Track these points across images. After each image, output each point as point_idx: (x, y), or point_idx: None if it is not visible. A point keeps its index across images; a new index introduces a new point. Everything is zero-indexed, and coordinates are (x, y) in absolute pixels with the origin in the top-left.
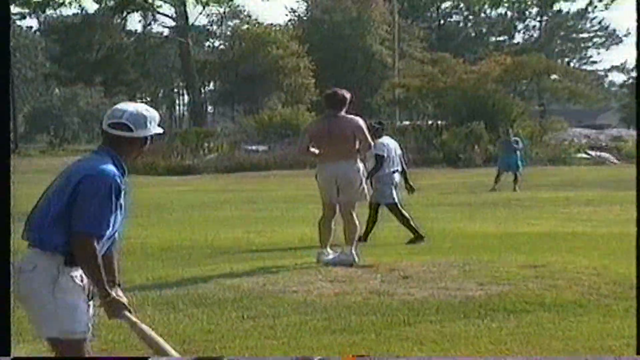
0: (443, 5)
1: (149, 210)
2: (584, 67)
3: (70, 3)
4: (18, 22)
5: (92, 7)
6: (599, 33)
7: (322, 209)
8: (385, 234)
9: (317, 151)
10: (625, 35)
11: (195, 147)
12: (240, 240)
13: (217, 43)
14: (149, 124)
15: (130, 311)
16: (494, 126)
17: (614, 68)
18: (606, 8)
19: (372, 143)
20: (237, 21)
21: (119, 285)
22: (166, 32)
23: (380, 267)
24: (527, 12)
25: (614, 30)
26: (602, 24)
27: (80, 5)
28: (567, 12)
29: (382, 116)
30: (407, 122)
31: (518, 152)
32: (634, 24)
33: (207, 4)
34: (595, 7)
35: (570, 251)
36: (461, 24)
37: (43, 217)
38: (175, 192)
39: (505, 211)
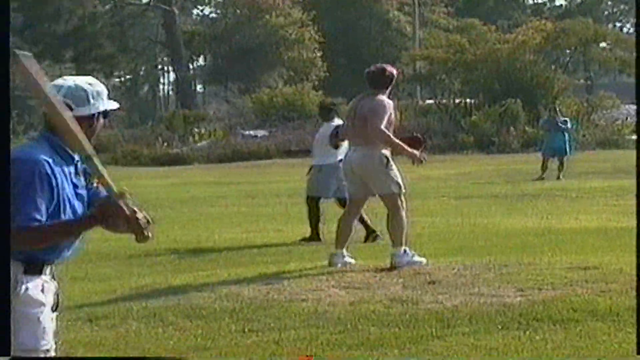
0: None
1: None
2: None
3: None
4: None
5: None
6: None
7: (347, 204)
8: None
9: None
10: None
11: (183, 134)
12: (239, 241)
13: (207, 11)
14: (92, 99)
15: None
16: (532, 104)
17: None
18: None
19: (379, 127)
20: None
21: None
22: None
23: (403, 270)
24: None
25: None
26: None
27: None
28: None
29: (401, 94)
30: (430, 101)
31: (566, 134)
32: None
33: None
34: None
35: (625, 250)
36: None
37: None
38: (161, 186)
39: (548, 204)
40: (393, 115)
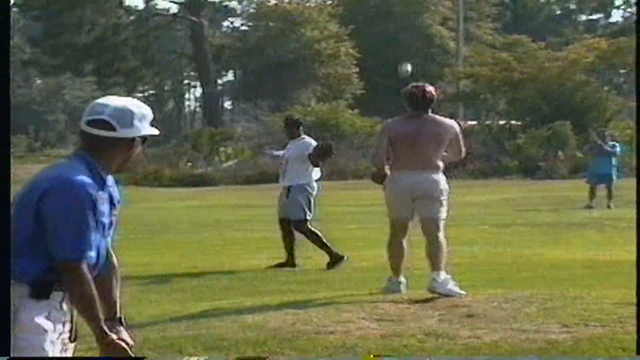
0: None
1: (151, 231)
2: None
3: None
4: None
5: None
6: None
7: (391, 228)
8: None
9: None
10: None
11: (209, 153)
12: (265, 268)
13: (237, 23)
14: (136, 122)
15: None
16: (582, 127)
17: None
18: None
19: (463, 151)
20: None
21: (121, 320)
22: (174, 8)
23: (438, 302)
24: None
25: None
26: None
27: None
28: None
29: (442, 114)
30: (472, 122)
31: (614, 159)
32: None
33: None
34: None
35: None
36: (542, 0)
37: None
38: (185, 208)
39: (596, 234)
40: None
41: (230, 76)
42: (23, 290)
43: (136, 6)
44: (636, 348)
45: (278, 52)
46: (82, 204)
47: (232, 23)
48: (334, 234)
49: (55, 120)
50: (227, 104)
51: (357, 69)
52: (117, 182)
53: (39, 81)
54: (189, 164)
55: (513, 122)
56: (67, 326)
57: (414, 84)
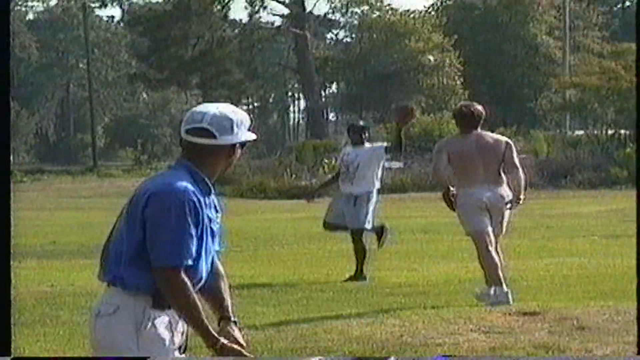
0: None
1: (256, 243)
2: None
3: None
4: (97, 12)
5: None
6: None
7: (475, 242)
8: (551, 271)
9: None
10: None
11: (313, 165)
12: (371, 280)
13: (341, 35)
14: (236, 128)
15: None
16: None
17: None
18: None
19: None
20: (365, 7)
21: (235, 321)
22: (278, 21)
23: (548, 314)
24: None
25: None
26: None
27: None
28: None
29: (549, 124)
30: (580, 132)
31: None
32: None
33: None
34: None
35: None
36: None
37: (118, 253)
38: (288, 220)
39: None
40: None
41: (334, 88)
42: (146, 300)
43: (241, 19)
44: (636, 348)
45: (382, 63)
46: (182, 210)
47: (335, 35)
48: (443, 244)
49: (162, 134)
50: (331, 116)
51: (462, 80)
52: (215, 191)
53: (145, 95)
54: (293, 176)
55: (622, 131)
56: (183, 337)
57: (463, 103)
